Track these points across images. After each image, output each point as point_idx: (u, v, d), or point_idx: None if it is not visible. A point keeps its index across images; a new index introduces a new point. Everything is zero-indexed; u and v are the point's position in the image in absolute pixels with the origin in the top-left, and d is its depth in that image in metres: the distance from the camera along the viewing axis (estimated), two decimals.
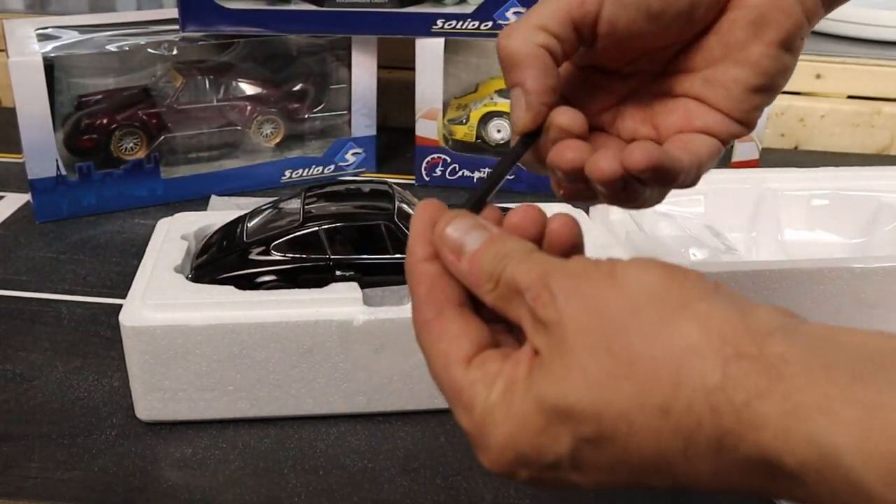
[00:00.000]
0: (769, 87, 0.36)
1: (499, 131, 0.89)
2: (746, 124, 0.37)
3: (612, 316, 0.26)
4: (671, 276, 0.27)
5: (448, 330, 0.30)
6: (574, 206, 0.65)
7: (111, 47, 0.80)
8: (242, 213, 0.60)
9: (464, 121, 0.89)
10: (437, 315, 0.30)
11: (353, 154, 0.91)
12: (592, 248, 0.58)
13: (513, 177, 0.88)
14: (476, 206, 0.33)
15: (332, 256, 0.54)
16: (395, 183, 0.60)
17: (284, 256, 0.54)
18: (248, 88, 0.87)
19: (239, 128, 0.87)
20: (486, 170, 0.88)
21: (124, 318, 0.50)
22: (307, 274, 0.54)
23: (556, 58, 0.35)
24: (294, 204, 0.57)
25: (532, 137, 0.35)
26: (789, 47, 0.35)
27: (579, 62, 0.38)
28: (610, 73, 0.38)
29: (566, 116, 0.34)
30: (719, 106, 0.36)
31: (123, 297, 0.53)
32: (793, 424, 0.23)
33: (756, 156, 0.88)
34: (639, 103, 0.38)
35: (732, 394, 0.24)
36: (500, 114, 0.88)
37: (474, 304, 0.31)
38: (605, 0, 0.34)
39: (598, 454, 0.26)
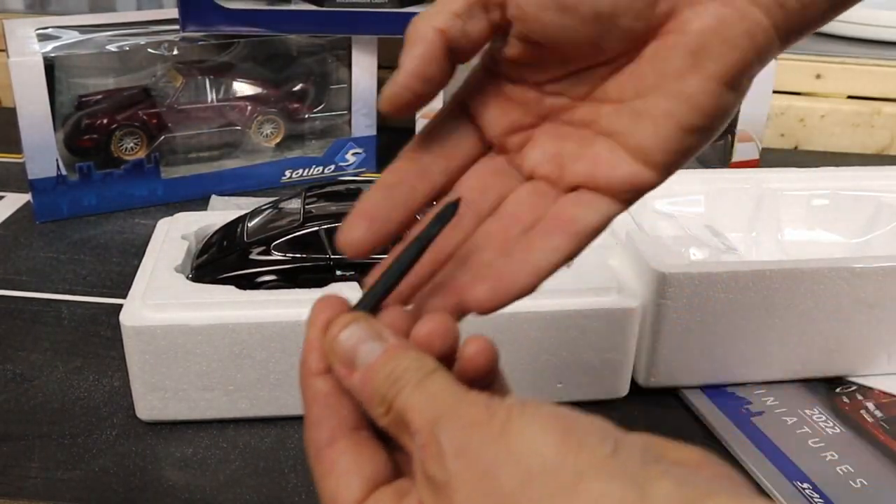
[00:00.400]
0: (704, 127, 0.31)
1: None
2: (664, 172, 0.32)
3: (503, 489, 0.23)
4: (567, 443, 0.24)
5: (339, 464, 0.27)
6: None
7: (111, 47, 0.80)
8: (242, 213, 0.60)
9: None
10: (328, 443, 0.28)
11: (353, 154, 0.91)
12: (592, 248, 0.58)
13: None
14: (377, 305, 0.30)
15: (332, 256, 0.54)
16: None
17: (285, 256, 0.54)
18: (248, 88, 0.87)
19: (239, 128, 0.87)
20: None
21: (125, 318, 0.50)
22: (307, 274, 0.54)
23: (457, 46, 0.31)
24: (294, 204, 0.57)
25: (449, 214, 0.31)
26: (733, 85, 0.30)
27: (494, 66, 0.33)
28: (529, 89, 0.33)
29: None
30: (643, 144, 0.31)
31: (124, 297, 0.53)
32: None
33: (756, 156, 0.88)
34: (554, 133, 0.33)
35: None
36: None
37: (374, 429, 0.28)
38: None
39: None
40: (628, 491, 0.22)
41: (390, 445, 0.28)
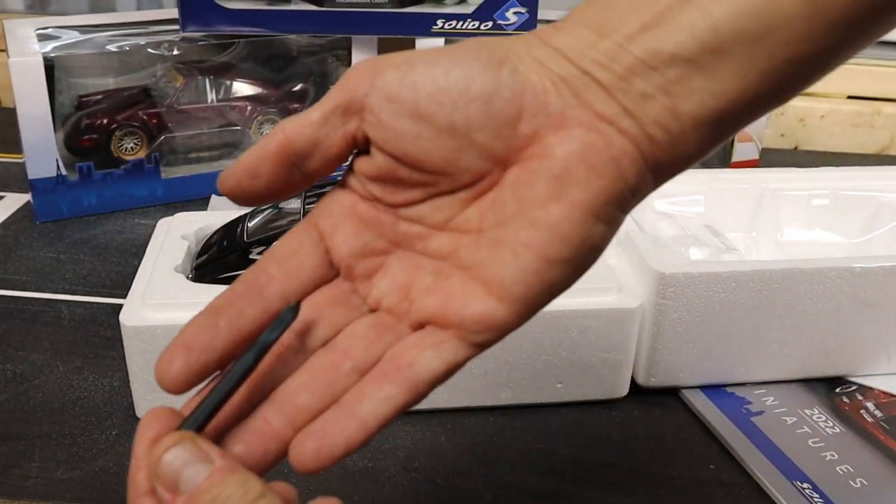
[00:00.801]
0: (569, 259, 0.29)
1: None
2: (524, 309, 0.29)
3: None
4: None
5: None
6: None
7: (111, 47, 0.80)
8: (242, 213, 0.60)
9: None
10: None
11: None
12: None
13: None
14: (206, 421, 0.28)
15: None
16: None
17: None
18: (248, 88, 0.87)
19: (239, 128, 0.87)
20: None
21: (125, 318, 0.50)
22: None
23: (305, 153, 0.30)
24: (294, 204, 0.57)
25: (289, 318, 0.30)
26: (600, 215, 0.29)
27: (352, 185, 0.32)
28: (385, 211, 0.31)
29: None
30: (501, 276, 0.29)
31: (124, 296, 0.53)
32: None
33: (756, 156, 0.88)
34: (407, 262, 0.31)
35: None
36: None
37: None
38: (371, 89, 0.29)
39: None
40: None
41: None
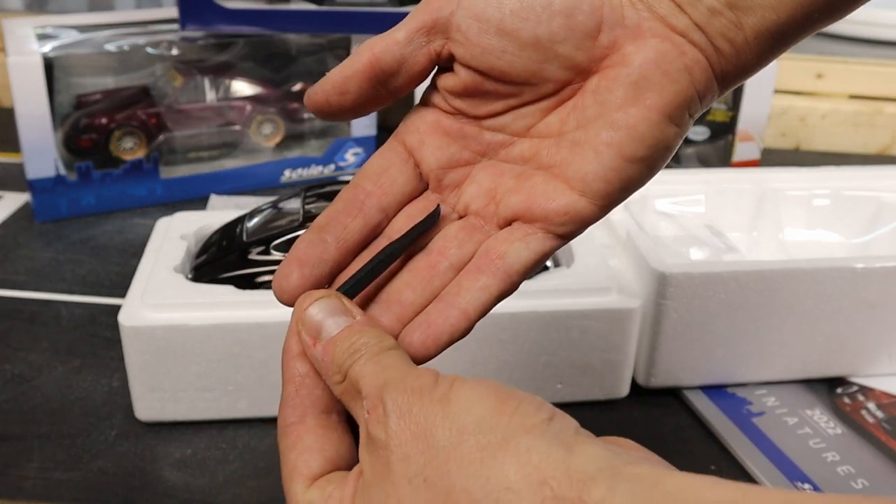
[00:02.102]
0: (645, 158, 0.31)
1: None
2: (604, 203, 0.32)
3: (437, 445, 0.25)
4: (502, 406, 0.25)
5: (303, 440, 0.29)
6: None
7: (110, 47, 0.80)
8: (242, 212, 0.60)
9: None
10: (298, 420, 0.29)
11: (353, 154, 0.91)
12: (593, 248, 0.58)
13: None
14: (354, 289, 0.31)
15: None
16: None
17: (284, 256, 0.54)
18: (248, 88, 0.86)
19: (238, 127, 0.87)
20: None
21: (124, 318, 0.50)
22: None
23: (391, 71, 0.32)
24: (294, 204, 0.57)
25: (431, 221, 0.33)
26: (673, 118, 0.31)
27: (436, 101, 0.34)
28: (469, 124, 0.34)
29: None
30: (583, 173, 0.31)
31: (123, 297, 0.52)
32: None
33: (757, 155, 0.88)
34: (492, 170, 0.34)
35: None
36: None
37: (345, 415, 0.30)
38: (458, 8, 0.31)
39: None
40: (555, 448, 0.24)
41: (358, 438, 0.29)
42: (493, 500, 0.23)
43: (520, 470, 0.23)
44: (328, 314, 0.29)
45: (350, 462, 0.29)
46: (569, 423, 0.25)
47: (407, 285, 0.32)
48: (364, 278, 0.31)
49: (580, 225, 0.32)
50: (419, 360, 0.31)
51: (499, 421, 0.24)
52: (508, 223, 0.33)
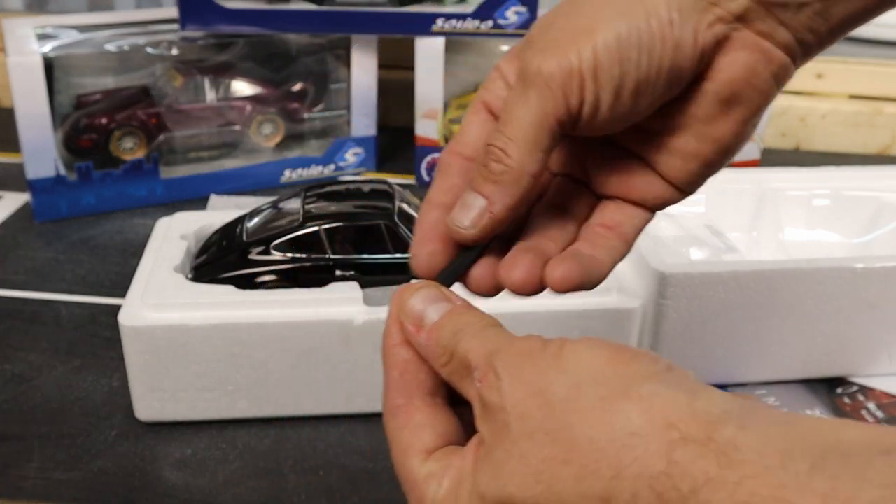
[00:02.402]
0: (726, 159, 0.34)
1: None
2: (689, 192, 0.35)
3: (554, 399, 0.25)
4: (617, 357, 0.25)
5: (413, 419, 0.29)
6: None
7: (110, 47, 0.80)
8: (242, 212, 0.60)
9: None
10: (405, 402, 0.30)
11: (353, 154, 0.91)
12: None
13: None
14: (449, 280, 0.32)
15: (332, 256, 0.54)
16: (395, 183, 0.59)
17: (284, 256, 0.54)
18: (248, 88, 0.86)
19: (238, 127, 0.87)
20: None
21: (124, 318, 0.50)
22: (307, 274, 0.54)
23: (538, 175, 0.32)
24: (294, 204, 0.57)
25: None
26: (756, 121, 0.33)
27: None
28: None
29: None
30: (670, 175, 0.34)
31: (123, 297, 0.52)
32: None
33: (757, 155, 0.88)
34: (582, 141, 0.35)
35: (679, 481, 0.22)
36: None
37: (451, 394, 0.30)
38: (586, 92, 0.30)
39: None
40: (678, 393, 0.24)
41: (464, 421, 0.29)
42: (618, 447, 0.23)
43: (643, 415, 0.23)
44: (429, 303, 0.30)
45: (459, 440, 0.29)
46: (686, 373, 0.25)
47: (542, 236, 0.34)
48: (459, 267, 0.32)
49: (669, 205, 0.35)
50: (560, 290, 0.31)
51: (615, 371, 0.25)
52: (606, 198, 0.35)
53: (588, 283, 0.32)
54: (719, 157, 0.34)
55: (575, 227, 0.34)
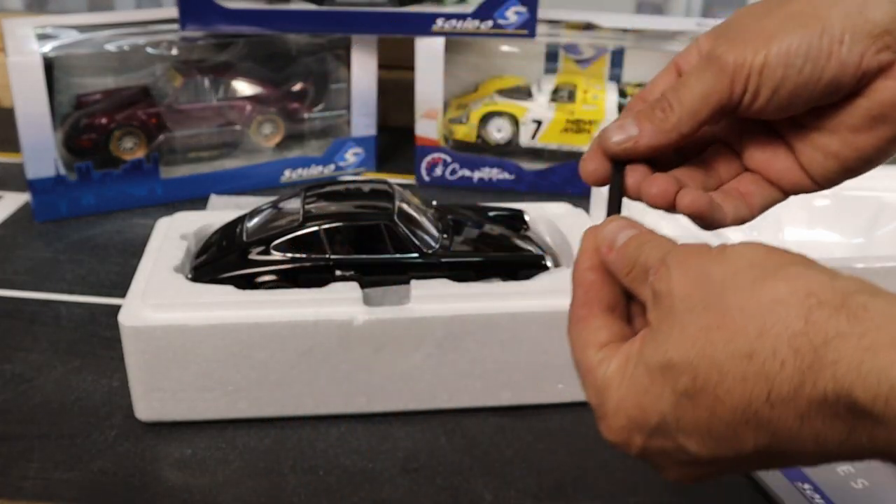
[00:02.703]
0: (866, 169, 0.38)
1: (499, 131, 0.89)
2: (823, 187, 0.39)
3: (713, 281, 0.29)
4: (772, 250, 0.30)
5: (592, 323, 0.34)
6: (574, 206, 0.65)
7: (110, 47, 0.80)
8: (242, 212, 0.60)
9: (464, 120, 0.89)
10: (587, 313, 0.34)
11: (353, 154, 0.91)
12: None
13: (514, 177, 0.88)
14: (615, 203, 0.39)
15: (332, 256, 0.54)
16: (395, 183, 0.59)
17: (284, 256, 0.54)
18: (248, 88, 0.86)
19: (239, 127, 0.87)
20: (486, 169, 0.88)
21: (124, 318, 0.50)
22: (307, 274, 0.54)
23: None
24: (294, 204, 0.57)
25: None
26: None
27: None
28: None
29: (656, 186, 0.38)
30: (809, 167, 0.38)
31: (123, 297, 0.52)
32: (866, 359, 0.25)
33: None
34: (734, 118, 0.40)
35: (813, 336, 0.26)
36: (500, 113, 0.88)
37: (626, 315, 0.34)
38: (753, 86, 0.35)
39: (695, 408, 0.29)
40: (822, 273, 0.28)
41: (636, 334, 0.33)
42: (764, 312, 0.27)
43: (788, 287, 0.28)
44: (620, 229, 0.34)
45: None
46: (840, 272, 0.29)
47: (688, 177, 0.39)
48: (613, 189, 0.38)
49: (801, 192, 0.39)
50: (685, 211, 0.38)
51: (769, 258, 0.29)
52: (749, 170, 0.40)
53: (708, 219, 0.38)
54: (858, 165, 0.37)
55: (716, 183, 0.40)
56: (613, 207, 0.39)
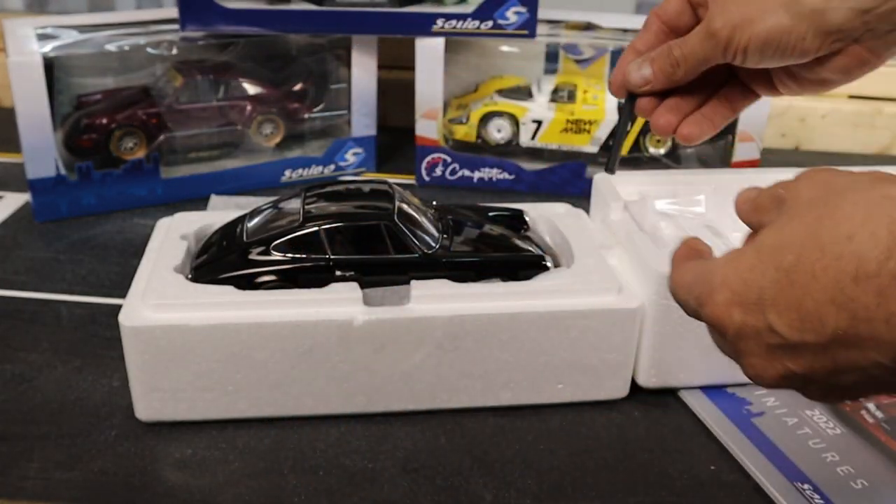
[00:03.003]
0: (816, 93, 0.52)
1: (499, 131, 0.89)
2: (783, 94, 0.53)
3: (837, 185, 0.33)
4: (881, 176, 0.33)
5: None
6: (574, 206, 0.65)
7: (111, 47, 0.80)
8: (242, 213, 0.60)
9: (464, 120, 0.89)
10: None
11: (353, 154, 0.91)
12: (593, 249, 0.58)
13: (513, 177, 0.88)
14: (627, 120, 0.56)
15: (332, 256, 0.54)
16: (395, 183, 0.59)
17: (284, 256, 0.54)
18: (248, 88, 0.86)
19: (239, 127, 0.87)
20: (486, 170, 0.88)
21: (124, 318, 0.50)
22: (307, 274, 0.54)
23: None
24: (294, 204, 0.57)
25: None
26: (847, 81, 0.50)
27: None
28: None
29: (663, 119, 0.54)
30: (779, 86, 0.52)
31: (123, 297, 0.52)
32: None
33: (757, 156, 0.88)
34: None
35: None
36: (500, 113, 0.88)
37: None
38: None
39: (791, 285, 0.32)
40: None
41: None
42: (873, 204, 0.31)
43: (877, 194, 0.32)
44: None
45: None
46: None
47: (686, 99, 0.54)
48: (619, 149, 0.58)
49: (769, 96, 0.54)
50: (685, 142, 0.54)
51: (890, 175, 0.33)
52: (742, 85, 0.54)
53: (702, 139, 0.54)
54: (811, 93, 0.52)
55: (695, 106, 0.54)
56: (623, 126, 0.56)
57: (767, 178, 0.67)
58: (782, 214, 0.34)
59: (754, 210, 0.38)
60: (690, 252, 0.40)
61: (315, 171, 0.90)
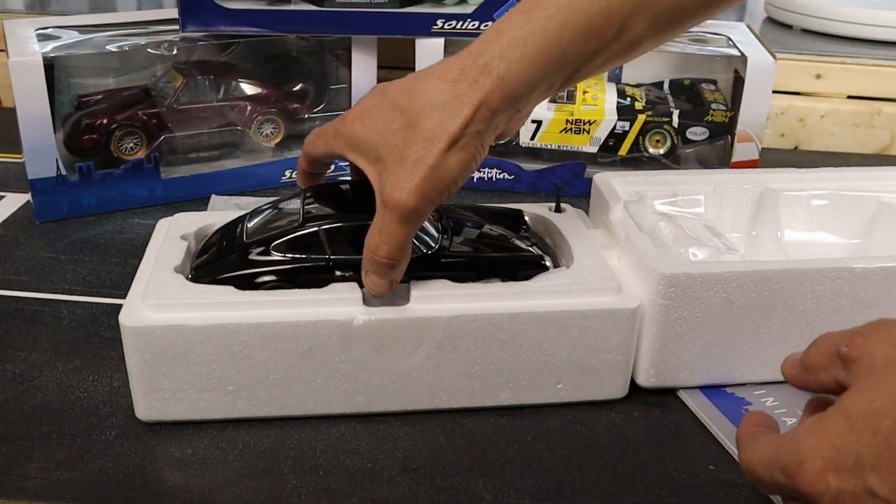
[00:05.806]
0: None
1: None
2: None
3: None
4: None
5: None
6: (574, 206, 0.65)
7: (111, 47, 0.80)
8: (242, 213, 0.60)
9: None
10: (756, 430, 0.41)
11: None
12: (593, 249, 0.58)
13: (513, 177, 0.88)
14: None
15: (331, 256, 0.54)
16: None
17: (284, 256, 0.54)
18: (249, 88, 0.87)
19: (239, 128, 0.87)
20: (486, 169, 0.89)
21: (124, 318, 0.50)
22: (307, 274, 0.54)
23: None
24: (294, 204, 0.57)
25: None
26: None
27: None
28: None
29: None
30: None
31: (123, 297, 0.53)
32: None
33: (756, 156, 0.88)
34: None
35: None
36: None
37: None
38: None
39: (890, 448, 0.32)
40: None
41: None
42: None
43: None
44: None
45: None
46: None
47: None
48: None
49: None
50: None
51: None
52: None
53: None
54: None
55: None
56: None
57: (767, 177, 0.68)
58: (860, 376, 0.35)
59: (806, 371, 0.38)
60: (757, 427, 0.40)
61: None
